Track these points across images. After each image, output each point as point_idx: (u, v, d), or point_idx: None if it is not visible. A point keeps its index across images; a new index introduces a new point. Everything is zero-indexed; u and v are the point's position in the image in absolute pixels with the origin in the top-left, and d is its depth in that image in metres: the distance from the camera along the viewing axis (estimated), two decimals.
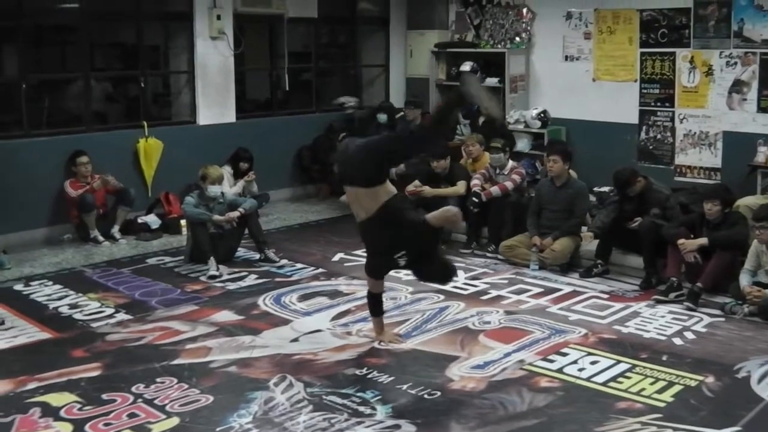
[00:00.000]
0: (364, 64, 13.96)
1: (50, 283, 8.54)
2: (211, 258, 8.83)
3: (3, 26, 10.45)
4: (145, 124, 10.87)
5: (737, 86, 10.40)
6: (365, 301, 7.16)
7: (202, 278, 8.67)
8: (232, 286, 8.43)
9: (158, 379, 6.11)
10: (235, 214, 9.09)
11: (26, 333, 7.13)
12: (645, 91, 11.27)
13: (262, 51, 12.99)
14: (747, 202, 8.55)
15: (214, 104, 11.59)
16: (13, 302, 7.89)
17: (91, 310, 7.72)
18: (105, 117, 11.77)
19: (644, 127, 11.30)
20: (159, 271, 8.99)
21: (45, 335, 7.10)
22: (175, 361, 6.46)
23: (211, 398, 5.80)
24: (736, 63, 10.37)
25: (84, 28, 10.59)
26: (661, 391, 5.93)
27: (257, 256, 9.33)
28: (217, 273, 8.72)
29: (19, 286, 8.42)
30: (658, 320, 7.41)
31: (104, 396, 5.82)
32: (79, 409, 5.64)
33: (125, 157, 10.68)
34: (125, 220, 10.30)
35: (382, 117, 12.02)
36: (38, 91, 11.05)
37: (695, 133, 10.84)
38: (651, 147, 11.26)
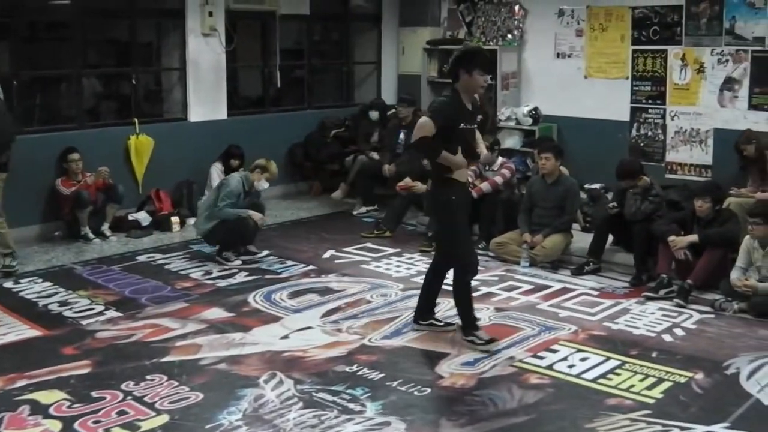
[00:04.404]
0: (356, 61, 13.95)
1: (40, 280, 8.51)
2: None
3: None
4: (137, 121, 10.84)
5: (728, 83, 10.38)
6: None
7: (193, 275, 8.67)
8: (222, 283, 8.41)
9: (148, 377, 6.08)
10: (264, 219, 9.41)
11: (16, 330, 7.09)
12: (636, 88, 11.24)
13: (255, 48, 12.97)
14: (738, 200, 8.56)
15: (206, 101, 11.55)
16: (2, 299, 7.87)
17: (81, 307, 7.69)
18: (96, 114, 11.74)
19: (635, 125, 11.28)
20: (149, 269, 8.96)
21: (35, 333, 7.07)
22: (165, 359, 6.44)
23: (201, 395, 5.78)
24: (727, 60, 10.35)
25: (77, 24, 10.56)
26: (650, 387, 5.93)
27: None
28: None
29: (8, 284, 8.38)
30: (648, 317, 7.41)
31: (94, 393, 5.80)
32: (69, 407, 5.61)
33: (116, 154, 10.62)
34: (114, 217, 10.26)
35: (374, 114, 12.04)
36: (30, 88, 11.02)
37: (686, 130, 10.82)
38: (642, 144, 11.21)
